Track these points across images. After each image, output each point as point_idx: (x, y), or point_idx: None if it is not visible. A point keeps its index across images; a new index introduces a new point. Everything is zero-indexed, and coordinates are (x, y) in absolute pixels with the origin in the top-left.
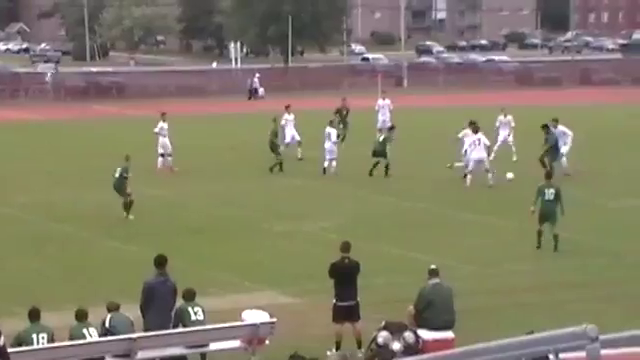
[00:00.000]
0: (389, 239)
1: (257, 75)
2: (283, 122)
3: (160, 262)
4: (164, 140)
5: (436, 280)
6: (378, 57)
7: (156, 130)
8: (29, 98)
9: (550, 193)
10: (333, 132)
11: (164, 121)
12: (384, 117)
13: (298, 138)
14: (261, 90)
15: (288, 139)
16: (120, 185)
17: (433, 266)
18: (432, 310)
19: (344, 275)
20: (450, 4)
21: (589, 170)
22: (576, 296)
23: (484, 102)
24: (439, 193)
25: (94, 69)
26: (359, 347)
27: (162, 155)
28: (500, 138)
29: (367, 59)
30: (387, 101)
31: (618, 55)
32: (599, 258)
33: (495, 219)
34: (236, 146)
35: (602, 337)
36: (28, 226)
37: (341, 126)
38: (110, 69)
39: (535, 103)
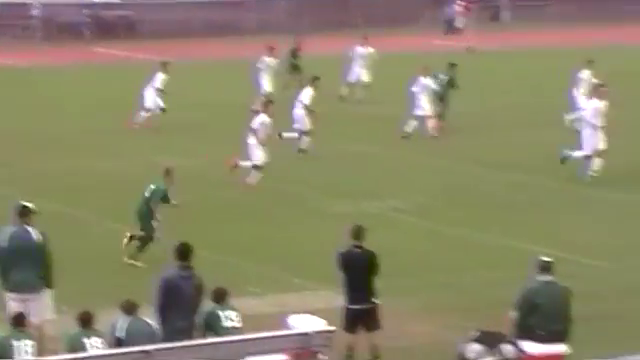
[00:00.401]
0: (482, 223)
1: None
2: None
3: (184, 252)
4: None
5: (548, 277)
6: None
7: (159, 86)
8: (10, 37)
9: None
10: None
11: (166, 73)
12: (357, 70)
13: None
14: None
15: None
16: (145, 212)
17: (546, 258)
18: (539, 316)
19: (355, 269)
20: None
21: None
22: None
23: (613, 39)
24: (551, 162)
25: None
26: None
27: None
28: None
29: None
30: (370, 50)
31: None
32: None
33: (632, 196)
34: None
35: None
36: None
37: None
38: (116, 0)
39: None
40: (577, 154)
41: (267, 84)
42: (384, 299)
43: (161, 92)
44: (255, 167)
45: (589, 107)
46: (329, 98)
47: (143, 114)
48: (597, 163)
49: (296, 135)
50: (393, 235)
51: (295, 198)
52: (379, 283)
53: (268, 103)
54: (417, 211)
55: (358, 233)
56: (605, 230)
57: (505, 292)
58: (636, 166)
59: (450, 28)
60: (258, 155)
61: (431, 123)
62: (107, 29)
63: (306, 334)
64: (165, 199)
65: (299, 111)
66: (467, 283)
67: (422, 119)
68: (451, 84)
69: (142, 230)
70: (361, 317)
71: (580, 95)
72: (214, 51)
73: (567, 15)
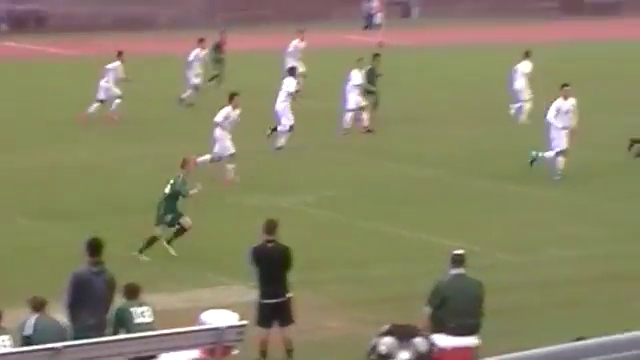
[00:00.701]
0: (394, 216)
1: None
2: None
3: (94, 247)
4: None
5: (460, 270)
6: None
7: (121, 75)
8: None
9: None
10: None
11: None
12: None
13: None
14: None
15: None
16: (168, 208)
17: (459, 251)
18: (450, 309)
19: (269, 264)
20: None
21: None
22: (638, 291)
23: (521, 37)
24: (458, 158)
25: None
26: (289, 358)
27: (101, 101)
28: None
29: None
30: (303, 44)
31: None
32: None
33: (534, 189)
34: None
35: None
36: None
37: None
38: None
39: (585, 37)
40: (547, 155)
41: (196, 77)
42: (297, 293)
43: (122, 81)
44: (231, 156)
45: (552, 107)
46: (249, 92)
47: (95, 106)
48: (561, 162)
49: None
50: (306, 229)
51: (210, 193)
52: (292, 277)
53: (233, 96)
54: (329, 205)
55: (271, 227)
56: (517, 224)
57: (417, 285)
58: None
59: (370, 24)
60: (228, 146)
61: (365, 115)
62: (19, 23)
63: (218, 329)
64: (184, 192)
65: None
66: (379, 276)
67: (356, 112)
68: (374, 74)
69: (170, 225)
70: (274, 311)
71: (522, 87)
72: (127, 45)
73: (477, 12)
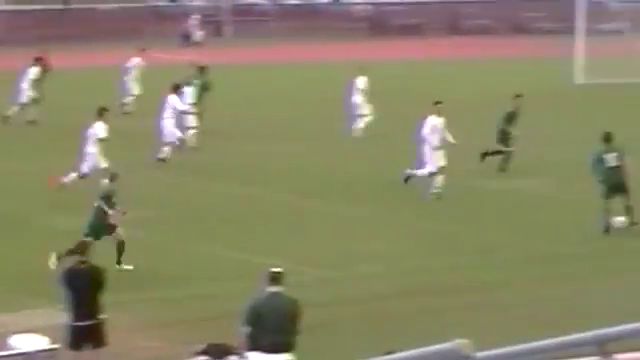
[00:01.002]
0: (210, 235)
1: None
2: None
3: None
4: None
5: (276, 288)
6: None
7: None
8: None
9: (612, 158)
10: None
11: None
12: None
13: None
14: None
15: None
16: (98, 222)
17: (275, 269)
18: (264, 327)
19: (80, 285)
20: None
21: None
22: (444, 304)
23: (329, 56)
24: (277, 175)
25: None
26: None
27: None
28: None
29: None
30: (137, 60)
31: None
32: (472, 255)
33: (345, 207)
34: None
35: (481, 354)
36: None
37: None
38: None
39: (392, 56)
40: (420, 172)
41: (30, 93)
42: (110, 315)
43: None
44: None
45: (427, 124)
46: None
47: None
48: (439, 180)
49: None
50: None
51: (20, 214)
52: (106, 298)
53: (102, 110)
54: (149, 225)
55: (83, 248)
56: (328, 240)
57: (234, 304)
58: (377, 179)
59: (188, 42)
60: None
61: (191, 133)
62: None
63: (28, 353)
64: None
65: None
66: (196, 296)
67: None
68: (205, 87)
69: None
70: (86, 334)
71: (360, 102)
72: None
73: (288, 32)
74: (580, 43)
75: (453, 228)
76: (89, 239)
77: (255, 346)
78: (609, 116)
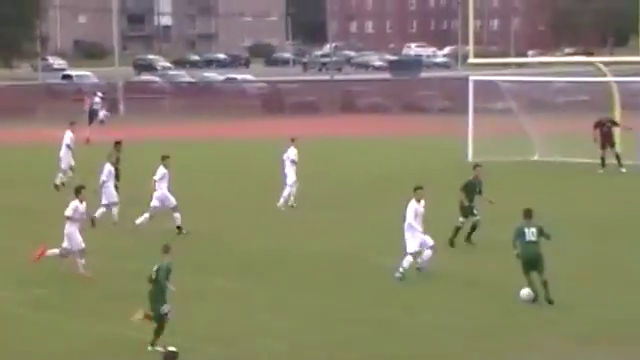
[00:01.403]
0: (89, 313)
1: None
2: None
3: None
4: None
5: None
6: (84, 74)
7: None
8: None
9: (532, 233)
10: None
11: None
12: None
13: None
14: None
15: None
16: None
17: (171, 348)
18: None
19: None
20: (177, 7)
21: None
22: None
23: (225, 133)
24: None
25: None
26: None
27: None
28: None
29: (68, 77)
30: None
31: (386, 74)
32: (370, 329)
33: (239, 283)
34: None
35: None
36: None
37: None
38: None
39: (287, 134)
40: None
41: None
42: None
43: None
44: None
45: (409, 210)
46: None
47: None
48: (408, 261)
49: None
50: None
51: None
52: None
53: (80, 189)
54: (36, 303)
55: None
56: (219, 318)
57: None
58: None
59: (94, 119)
60: (79, 241)
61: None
62: None
63: None
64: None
65: None
66: None
67: (112, 206)
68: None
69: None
70: None
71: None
72: None
73: (180, 109)
74: (472, 122)
75: (352, 304)
76: None
77: None
78: (500, 193)
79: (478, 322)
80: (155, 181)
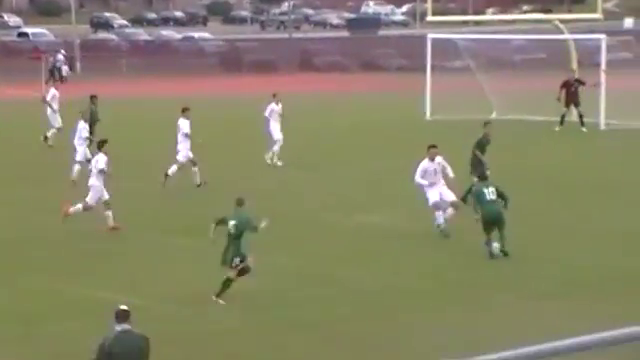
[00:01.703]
0: (57, 271)
1: None
2: None
3: None
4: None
5: (124, 326)
6: (40, 32)
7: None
8: None
9: (491, 192)
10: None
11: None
12: None
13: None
14: None
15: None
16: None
17: (123, 307)
18: None
19: None
20: None
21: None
22: (301, 339)
23: (182, 91)
24: (125, 210)
25: None
26: None
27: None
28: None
29: (24, 34)
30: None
31: (344, 33)
32: (329, 289)
33: (197, 242)
34: None
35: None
36: None
37: None
38: None
39: (245, 92)
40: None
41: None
42: None
43: None
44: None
45: (419, 169)
46: None
47: None
48: (440, 216)
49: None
50: None
51: None
52: None
53: (104, 143)
54: None
55: None
56: (181, 276)
57: (85, 342)
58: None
59: (56, 76)
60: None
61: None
62: None
63: None
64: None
65: None
66: (46, 334)
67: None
68: (94, 118)
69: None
70: None
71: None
72: None
73: (138, 68)
74: (429, 80)
75: (310, 263)
76: None
77: None
78: (457, 151)
79: (432, 280)
80: (187, 134)
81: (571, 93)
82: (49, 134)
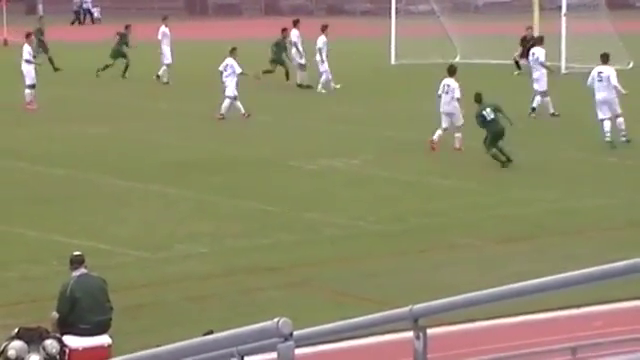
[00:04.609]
0: (22, 218)
1: None
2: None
3: None
4: None
5: (82, 270)
6: None
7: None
8: None
9: (489, 112)
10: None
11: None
12: None
13: None
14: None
15: None
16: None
17: (76, 252)
18: (79, 310)
19: None
20: None
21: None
22: (267, 283)
23: (147, 35)
24: (88, 156)
25: None
26: None
27: None
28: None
29: None
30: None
31: None
32: (295, 234)
33: (163, 187)
34: None
35: (299, 332)
36: None
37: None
38: None
39: (209, 37)
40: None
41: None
42: None
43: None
44: None
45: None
46: None
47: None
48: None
49: None
50: None
51: None
52: None
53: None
54: None
55: None
56: (148, 221)
57: (48, 286)
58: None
59: (81, 19)
60: None
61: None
62: None
63: None
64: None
65: None
66: (7, 279)
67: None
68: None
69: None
70: None
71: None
72: None
73: (101, 10)
74: (394, 24)
75: (276, 208)
76: None
77: (71, 330)
78: (421, 96)
79: (397, 224)
80: (242, 73)
81: (527, 48)
82: (160, 72)
